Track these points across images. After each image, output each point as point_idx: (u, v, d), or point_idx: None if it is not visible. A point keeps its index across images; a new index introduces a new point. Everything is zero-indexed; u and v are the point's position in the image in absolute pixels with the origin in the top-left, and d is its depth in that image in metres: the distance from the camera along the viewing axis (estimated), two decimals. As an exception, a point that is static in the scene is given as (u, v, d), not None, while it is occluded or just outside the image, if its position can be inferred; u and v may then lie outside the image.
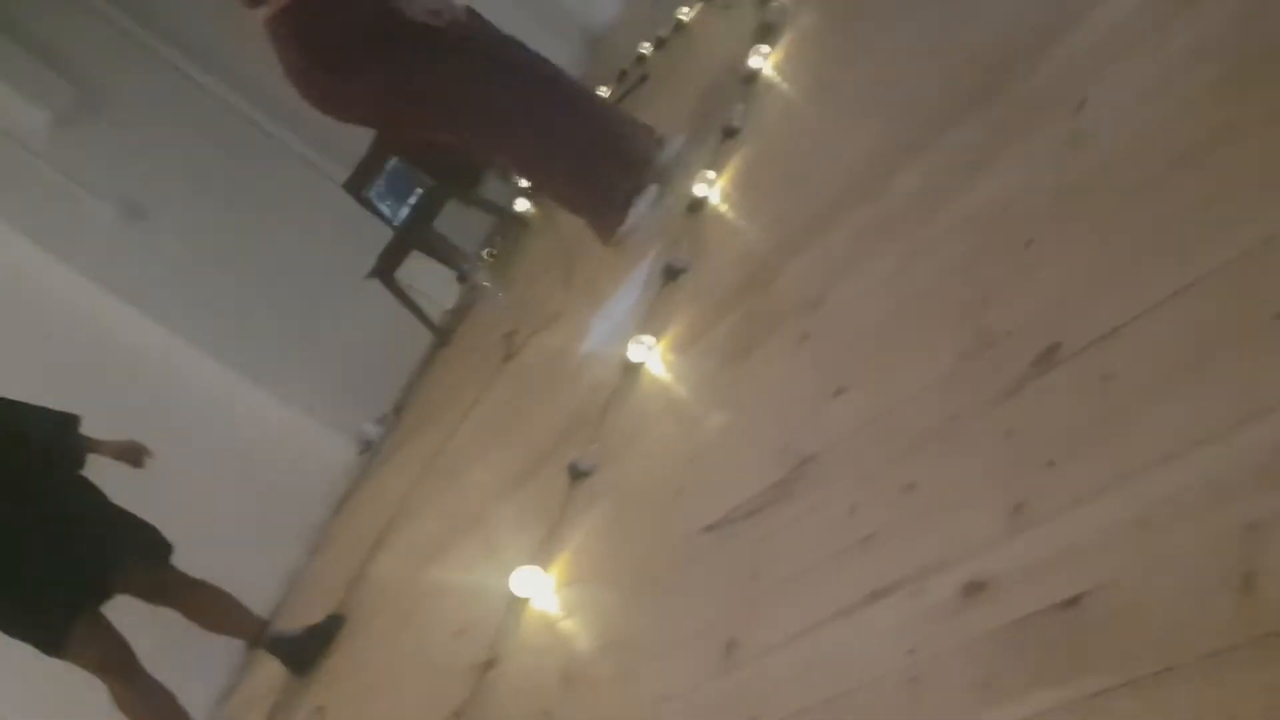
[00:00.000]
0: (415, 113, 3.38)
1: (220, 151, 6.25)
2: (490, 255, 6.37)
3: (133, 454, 3.62)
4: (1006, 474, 1.20)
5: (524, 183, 5.10)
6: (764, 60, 3.29)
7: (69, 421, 3.52)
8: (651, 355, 2.56)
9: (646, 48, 5.58)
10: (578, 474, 2.35)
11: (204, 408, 5.59)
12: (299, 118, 6.09)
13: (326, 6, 3.08)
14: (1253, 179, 1.18)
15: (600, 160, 3.46)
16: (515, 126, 3.40)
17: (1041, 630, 1.03)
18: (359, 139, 5.41)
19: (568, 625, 1.93)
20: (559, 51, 7.11)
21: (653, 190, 3.42)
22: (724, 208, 2.88)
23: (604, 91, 5.74)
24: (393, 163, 5.71)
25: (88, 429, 3.54)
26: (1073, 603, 1.02)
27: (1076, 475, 1.13)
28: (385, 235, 5.68)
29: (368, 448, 5.68)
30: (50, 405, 5.01)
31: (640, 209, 3.43)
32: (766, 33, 3.47)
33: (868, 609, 1.25)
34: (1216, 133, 1.27)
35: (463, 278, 6.20)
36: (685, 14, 5.29)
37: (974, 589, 1.14)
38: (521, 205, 5.95)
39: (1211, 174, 1.24)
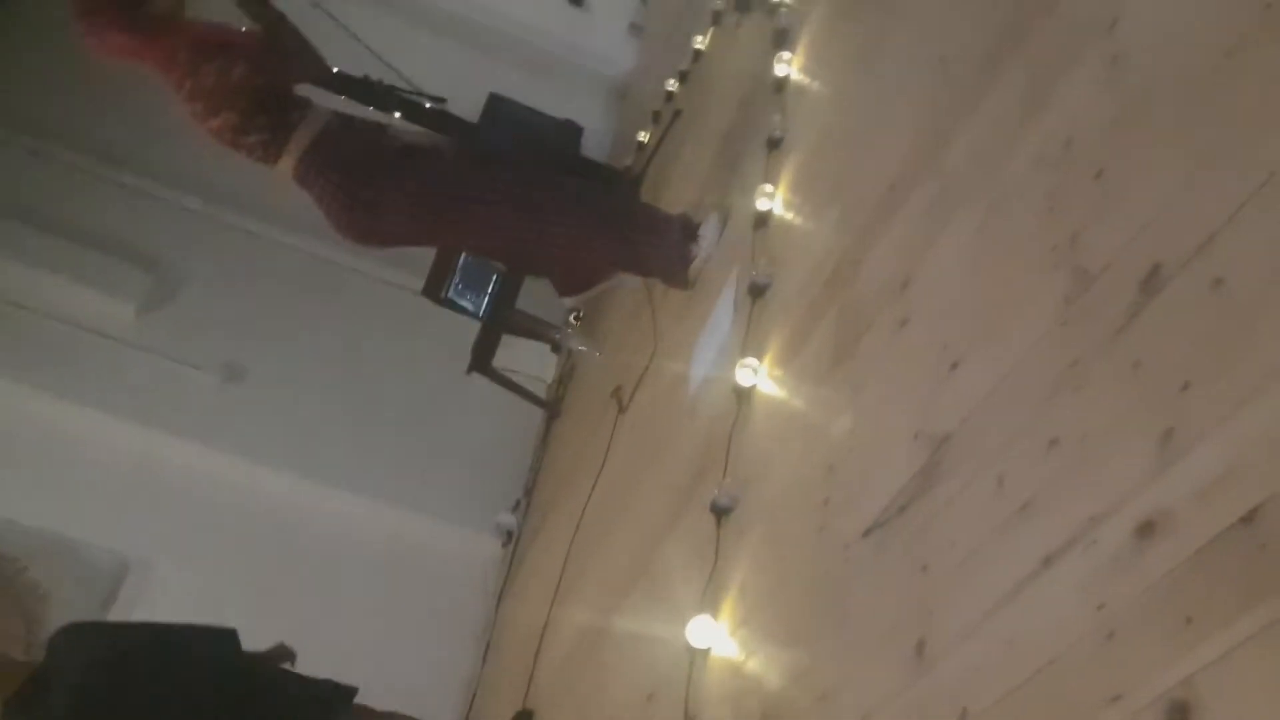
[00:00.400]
0: (447, 224, 3.40)
1: (297, 294, 6.42)
2: (577, 318, 6.43)
3: (282, 657, 3.63)
4: (1145, 406, 1.19)
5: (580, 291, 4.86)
6: (788, 66, 3.29)
7: (227, 639, 3.47)
8: (759, 376, 2.56)
9: (673, 84, 5.62)
10: (720, 511, 2.36)
11: (346, 539, 5.72)
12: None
13: (337, 145, 3.18)
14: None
15: (639, 215, 3.50)
16: (546, 213, 3.38)
17: (1227, 552, 1.02)
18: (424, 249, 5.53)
19: (752, 666, 1.93)
20: (590, 108, 7.22)
21: (713, 218, 3.44)
22: (789, 215, 2.88)
23: (643, 136, 5.78)
24: (463, 258, 5.81)
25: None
26: (1250, 518, 1.00)
27: (1216, 389, 1.11)
28: (474, 328, 5.78)
29: (510, 538, 5.75)
30: (200, 577, 5.18)
31: (706, 239, 3.42)
32: (783, 39, 3.47)
33: (1045, 575, 1.24)
34: (1262, 16, 1.25)
35: (557, 348, 6.26)
36: (700, 42, 5.32)
37: (1146, 529, 1.12)
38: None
39: (1266, 58, 1.22)
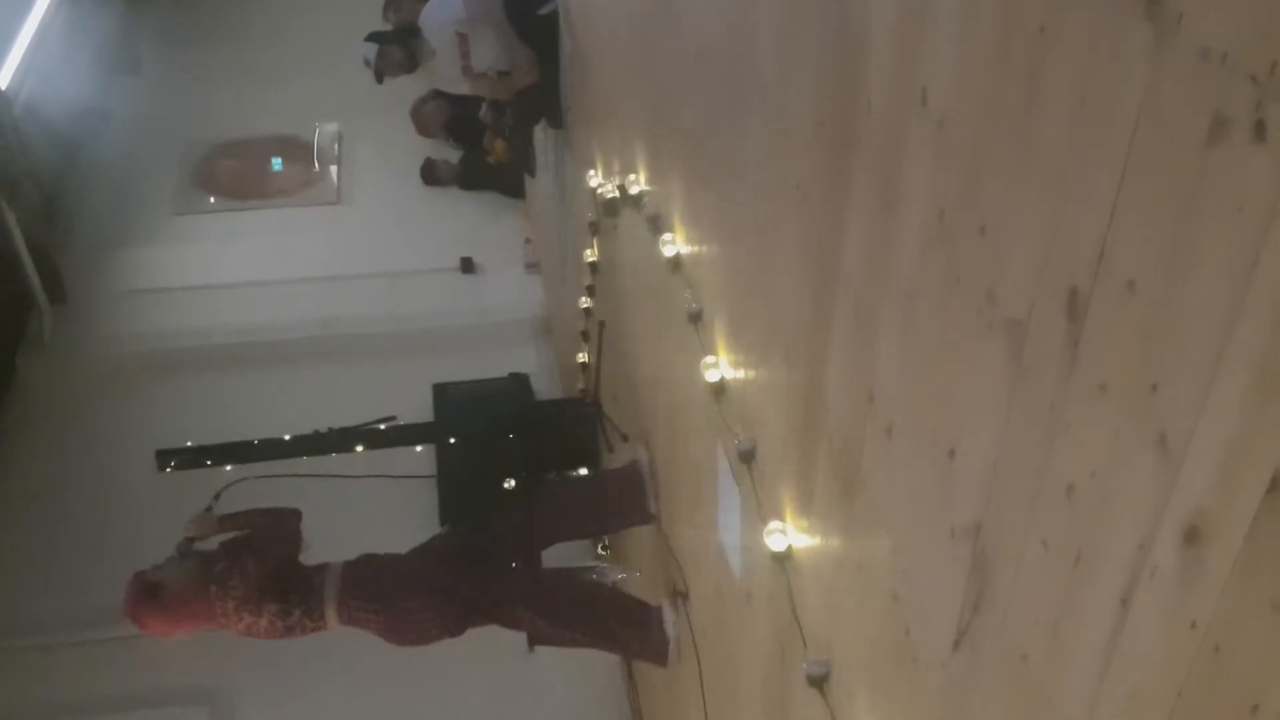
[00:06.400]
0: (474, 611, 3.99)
1: (338, 671, 6.30)
2: (604, 549, 6.37)
3: None
4: (1129, 421, 1.19)
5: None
6: (673, 244, 3.38)
7: None
8: (789, 535, 2.55)
9: (586, 301, 5.66)
10: (816, 681, 2.31)
11: None
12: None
13: (360, 585, 3.84)
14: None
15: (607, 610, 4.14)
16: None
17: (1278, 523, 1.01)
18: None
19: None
20: (525, 355, 7.34)
21: (666, 604, 3.99)
22: (739, 375, 2.92)
23: (582, 357, 5.86)
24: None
25: None
26: (1277, 483, 1.00)
27: (1178, 380, 1.11)
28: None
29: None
30: None
31: (669, 621, 3.97)
32: (658, 222, 3.57)
33: (1130, 616, 1.22)
34: (1038, 37, 1.31)
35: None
36: (590, 255, 5.37)
37: (1193, 534, 1.11)
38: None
39: (1063, 54, 1.27)
